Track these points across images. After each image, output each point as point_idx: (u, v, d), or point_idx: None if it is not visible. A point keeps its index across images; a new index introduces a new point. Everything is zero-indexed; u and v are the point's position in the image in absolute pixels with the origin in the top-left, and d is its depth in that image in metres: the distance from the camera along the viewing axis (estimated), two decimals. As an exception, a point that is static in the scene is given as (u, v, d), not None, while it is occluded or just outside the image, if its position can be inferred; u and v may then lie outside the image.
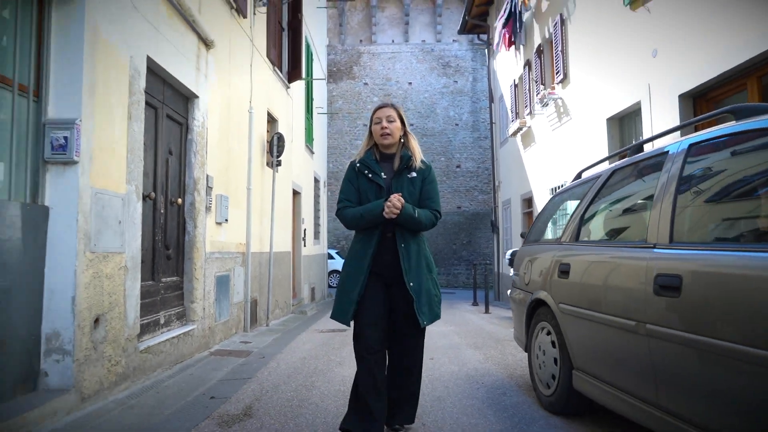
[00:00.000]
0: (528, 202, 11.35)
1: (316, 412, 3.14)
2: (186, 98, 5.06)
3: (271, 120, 8.24)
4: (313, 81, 11.81)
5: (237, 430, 2.82)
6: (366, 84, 22.08)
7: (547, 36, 9.63)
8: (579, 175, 3.54)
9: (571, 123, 8.54)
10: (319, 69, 13.21)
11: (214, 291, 5.52)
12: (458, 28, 16.12)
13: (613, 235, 2.61)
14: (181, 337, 4.63)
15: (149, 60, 4.10)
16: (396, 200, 2.42)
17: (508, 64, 12.81)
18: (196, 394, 3.61)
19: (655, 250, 2.03)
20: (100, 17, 3.38)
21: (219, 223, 5.74)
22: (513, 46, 11.58)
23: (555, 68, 9.12)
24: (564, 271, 2.78)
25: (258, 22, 7.35)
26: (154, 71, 4.31)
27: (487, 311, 9.67)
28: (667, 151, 2.28)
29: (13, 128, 2.93)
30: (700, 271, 1.75)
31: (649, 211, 2.20)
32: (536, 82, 10.20)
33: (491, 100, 15.24)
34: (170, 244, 4.75)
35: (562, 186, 8.55)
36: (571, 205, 3.24)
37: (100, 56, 3.38)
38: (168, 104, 4.68)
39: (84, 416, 3.05)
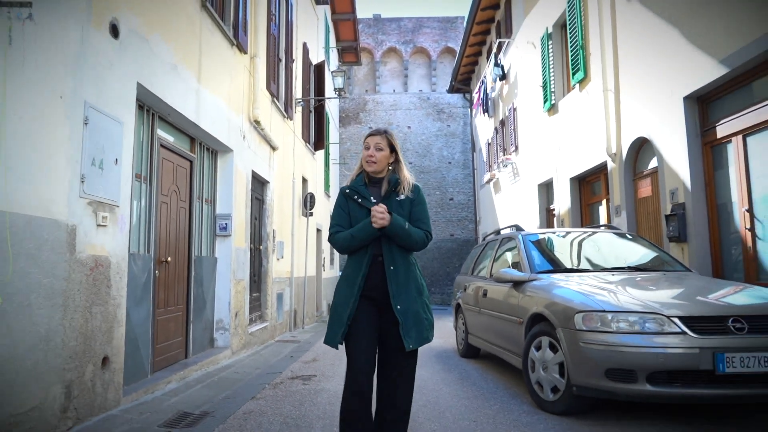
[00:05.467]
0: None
1: (348, 360, 6.33)
2: (262, 184, 8.33)
3: (304, 181, 11.52)
4: (330, 143, 15.14)
5: (313, 364, 5.98)
6: (371, 128, 25.45)
7: (506, 114, 12.94)
8: (484, 238, 6.75)
9: (521, 182, 11.79)
10: (334, 129, 16.56)
11: (275, 303, 8.72)
12: (450, 77, 19.53)
13: (480, 271, 5.82)
14: (262, 329, 7.81)
15: (253, 171, 7.37)
16: (376, 210, 2.41)
17: (484, 125, 16.15)
18: (282, 355, 6.79)
19: (486, 279, 5.24)
20: (238, 158, 6.65)
21: (278, 259, 8.96)
22: (486, 114, 14.92)
23: (510, 140, 12.40)
24: (465, 288, 5.99)
25: (296, 116, 10.66)
26: (253, 175, 7.58)
27: (463, 321, 12.80)
28: (499, 238, 5.50)
29: (208, 221, 6.18)
30: (488, 288, 4.97)
31: (490, 260, 5.42)
32: (500, 146, 13.49)
33: (473, 149, 18.58)
34: (255, 273, 7.97)
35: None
36: (476, 253, 6.45)
37: (237, 178, 6.64)
38: (255, 190, 7.94)
39: (235, 360, 6.23)
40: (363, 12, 44.57)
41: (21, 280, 2.77)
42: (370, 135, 2.64)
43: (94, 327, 3.48)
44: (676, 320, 3.01)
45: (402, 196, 2.57)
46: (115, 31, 3.76)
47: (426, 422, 3.41)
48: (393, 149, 2.63)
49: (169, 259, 5.00)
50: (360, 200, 2.57)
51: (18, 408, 2.76)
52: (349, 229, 2.56)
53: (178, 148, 5.32)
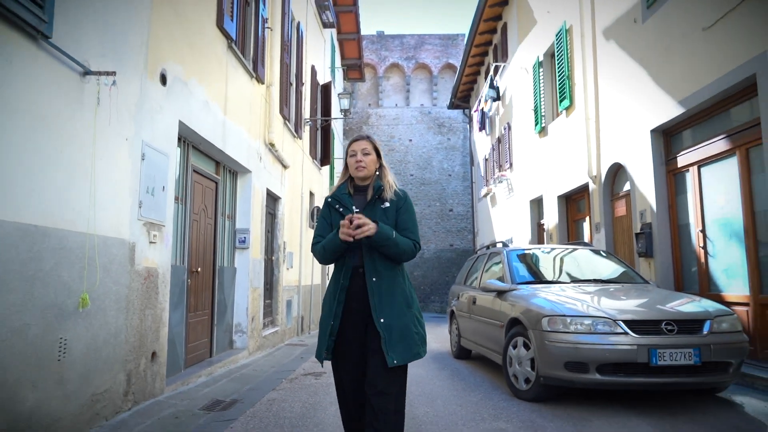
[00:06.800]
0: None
1: (353, 360, 7.04)
2: (275, 200, 9.07)
3: (311, 195, 12.27)
4: (335, 158, 15.93)
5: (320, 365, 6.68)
6: (373, 141, 26.25)
7: (502, 132, 13.70)
8: (475, 252, 7.47)
9: (514, 197, 12.53)
10: (339, 144, 17.36)
11: (285, 309, 9.44)
12: (450, 94, 20.36)
13: (472, 282, 6.54)
14: (273, 333, 8.53)
15: (267, 189, 8.12)
16: (348, 220, 2.29)
17: (482, 141, 16.92)
18: (293, 356, 7.49)
19: (477, 289, 5.96)
20: (255, 178, 7.40)
21: (288, 269, 9.69)
22: (483, 131, 15.69)
23: (506, 157, 13.15)
24: (458, 296, 6.71)
25: (305, 135, 11.43)
26: (268, 192, 8.33)
27: (460, 328, 13.50)
28: (490, 252, 6.23)
29: (229, 235, 6.92)
30: (476, 296, 5.70)
31: (480, 272, 6.14)
32: (496, 163, 14.25)
33: (472, 163, 19.35)
34: (268, 282, 8.70)
35: (510, 240, 12.52)
36: (469, 265, 7.17)
37: (254, 196, 7.39)
38: (269, 206, 8.68)
39: (251, 360, 6.94)
40: (367, 29, 45.61)
41: (100, 288, 3.51)
42: (354, 141, 2.58)
43: (146, 327, 4.21)
44: (621, 323, 3.73)
45: (387, 204, 2.48)
46: (164, 79, 4.53)
47: (420, 406, 4.13)
48: (378, 153, 2.58)
49: (199, 269, 5.74)
50: (342, 210, 2.49)
51: (97, 389, 3.49)
52: None
53: (206, 172, 6.08)
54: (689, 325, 3.75)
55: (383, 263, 2.42)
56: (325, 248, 2.43)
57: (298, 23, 10.49)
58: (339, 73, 17.16)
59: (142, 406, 4.10)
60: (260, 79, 7.51)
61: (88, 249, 3.32)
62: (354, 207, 2.48)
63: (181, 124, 4.91)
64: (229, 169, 6.88)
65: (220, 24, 5.84)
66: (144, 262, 4.18)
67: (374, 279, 2.39)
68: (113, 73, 3.38)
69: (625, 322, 3.74)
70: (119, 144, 3.79)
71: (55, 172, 3.05)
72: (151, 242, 4.29)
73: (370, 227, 2.29)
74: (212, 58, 5.73)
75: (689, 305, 4.14)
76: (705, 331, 3.76)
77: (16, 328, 2.71)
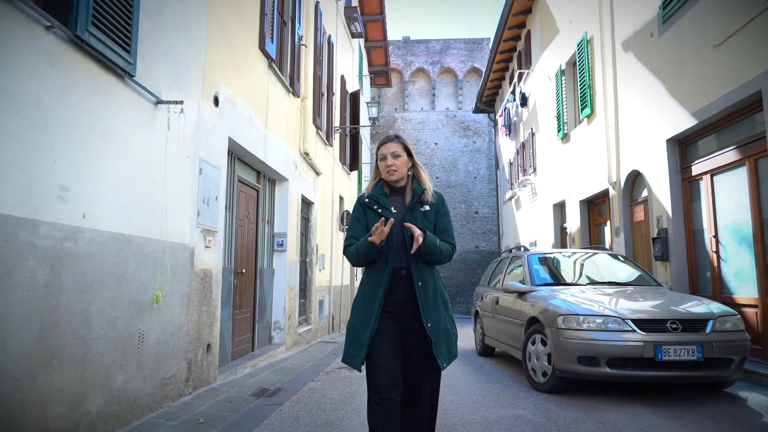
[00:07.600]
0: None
1: (383, 356, 7.51)
2: (308, 204, 9.61)
3: (341, 199, 12.79)
4: (362, 163, 16.44)
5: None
6: (399, 144, 26.70)
7: (526, 138, 14.01)
8: (500, 254, 7.86)
9: (538, 201, 12.84)
10: (366, 148, 17.89)
11: (318, 308, 9.97)
12: (476, 99, 20.70)
13: (495, 284, 6.94)
14: (307, 330, 9.06)
15: (302, 195, 8.66)
16: (377, 227, 2.26)
17: (506, 145, 17.22)
18: (327, 353, 8.00)
19: (500, 290, 6.37)
20: (292, 185, 7.94)
21: (320, 270, 10.22)
22: (508, 136, 16.01)
23: (530, 162, 13.46)
24: (482, 297, 7.12)
25: (335, 141, 11.96)
26: (302, 198, 8.88)
27: (485, 328, 13.85)
28: (512, 256, 6.63)
29: (268, 239, 7.47)
30: (499, 297, 6.10)
31: (503, 274, 6.55)
32: (520, 167, 14.56)
33: (497, 166, 19.64)
34: (302, 282, 9.24)
35: (534, 242, 12.84)
36: (492, 268, 7.57)
37: (291, 202, 7.93)
38: (303, 211, 9.23)
39: (289, 355, 7.47)
40: (393, 34, 46.12)
41: (169, 287, 4.06)
42: (383, 144, 2.51)
43: (202, 322, 4.76)
44: (629, 322, 4.11)
45: (427, 207, 2.45)
46: (216, 101, 5.08)
47: (446, 396, 4.57)
48: (409, 153, 2.52)
49: (243, 270, 6.29)
50: (380, 210, 2.45)
51: (166, 374, 4.03)
52: None
53: (249, 181, 6.63)
54: (693, 324, 4.12)
55: (426, 267, 2.44)
56: (358, 250, 2.39)
57: (329, 36, 11.03)
58: (366, 80, 17.70)
59: (200, 391, 4.64)
60: (296, 93, 8.05)
61: (160, 253, 3.86)
62: (392, 208, 2.46)
63: (230, 139, 5.46)
64: (269, 178, 7.44)
65: (262, 46, 6.39)
66: (201, 265, 4.73)
67: (420, 283, 2.39)
68: (181, 102, 3.92)
69: (634, 320, 4.12)
70: (183, 161, 4.34)
71: (135, 189, 3.60)
72: (206, 247, 4.84)
73: (420, 235, 2.30)
74: (255, 78, 6.28)
75: (695, 307, 4.49)
76: (708, 329, 4.11)
77: (109, 319, 3.26)
